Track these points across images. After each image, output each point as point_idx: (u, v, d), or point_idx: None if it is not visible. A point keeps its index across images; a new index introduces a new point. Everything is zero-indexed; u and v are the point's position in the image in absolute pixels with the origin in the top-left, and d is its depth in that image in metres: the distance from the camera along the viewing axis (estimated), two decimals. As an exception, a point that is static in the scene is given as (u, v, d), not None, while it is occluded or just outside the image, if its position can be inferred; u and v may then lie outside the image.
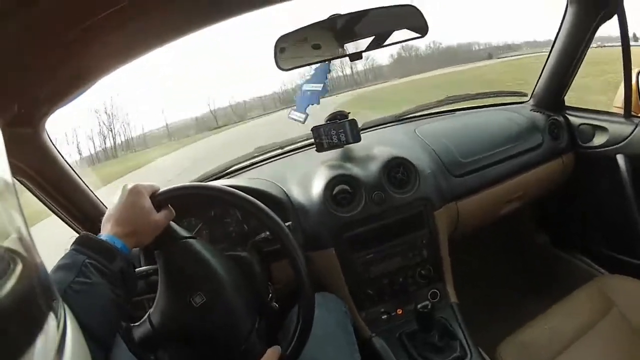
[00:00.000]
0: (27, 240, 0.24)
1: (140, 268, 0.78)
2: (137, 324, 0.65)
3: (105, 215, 0.60)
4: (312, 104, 0.98)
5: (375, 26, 0.87)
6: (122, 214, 0.58)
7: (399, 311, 0.97)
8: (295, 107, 1.00)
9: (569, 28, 1.05)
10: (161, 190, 0.64)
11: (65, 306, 0.28)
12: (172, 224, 0.65)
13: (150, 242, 0.62)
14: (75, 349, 0.26)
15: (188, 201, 0.67)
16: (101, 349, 0.50)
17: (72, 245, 0.54)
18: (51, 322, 0.23)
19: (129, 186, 0.61)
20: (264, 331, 0.68)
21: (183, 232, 0.66)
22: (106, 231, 0.57)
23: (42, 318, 0.23)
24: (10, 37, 0.50)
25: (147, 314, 0.65)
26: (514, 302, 1.27)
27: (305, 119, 1.00)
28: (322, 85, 0.95)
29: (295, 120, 1.02)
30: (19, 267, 0.22)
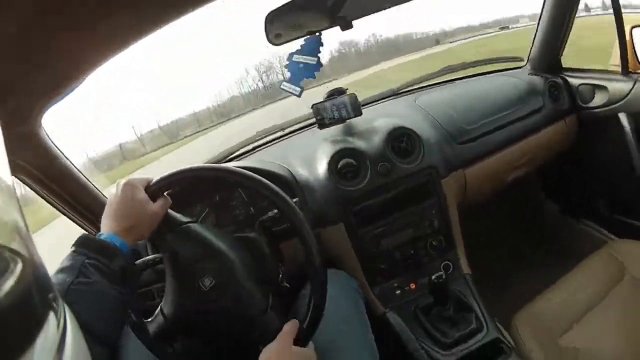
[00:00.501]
0: (27, 239, 0.24)
1: (146, 257, 0.76)
2: (150, 319, 0.63)
3: (104, 214, 0.59)
4: (308, 78, 0.95)
5: None
6: (118, 209, 0.58)
7: (412, 285, 0.95)
8: (288, 79, 0.97)
9: None
10: (154, 180, 0.63)
11: (66, 306, 0.28)
12: (170, 211, 0.64)
13: (150, 234, 0.61)
14: (75, 349, 0.25)
15: (185, 185, 0.65)
16: (105, 348, 0.50)
17: (72, 246, 0.54)
18: (51, 321, 0.23)
19: (122, 182, 0.61)
20: (279, 306, 0.67)
21: (182, 218, 0.65)
22: (105, 229, 0.57)
23: (42, 318, 0.23)
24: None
25: (159, 307, 0.64)
26: (526, 272, 1.25)
27: (301, 92, 0.96)
28: (316, 58, 0.93)
29: (289, 92, 0.98)
30: (19, 267, 0.21)
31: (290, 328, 0.59)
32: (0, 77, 0.58)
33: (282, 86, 0.97)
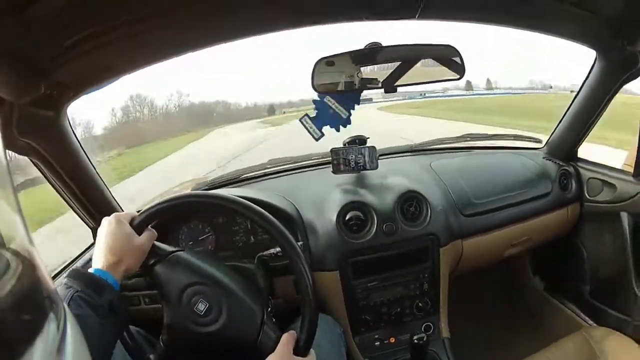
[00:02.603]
0: (27, 240, 0.24)
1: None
2: (152, 353, 0.66)
3: (94, 249, 0.62)
4: (332, 128, 0.97)
5: (413, 62, 0.89)
6: (106, 245, 0.61)
7: (392, 339, 0.99)
8: (312, 115, 0.97)
9: (593, 83, 1.06)
10: (137, 214, 0.66)
11: (66, 307, 0.28)
12: (157, 243, 0.67)
13: (139, 267, 0.64)
14: (75, 350, 0.26)
15: (171, 215, 0.68)
16: None
17: (64, 277, 0.57)
18: (51, 322, 0.24)
19: (108, 219, 0.64)
20: (274, 319, 0.69)
21: (169, 248, 0.67)
22: (95, 265, 0.60)
23: (42, 318, 0.23)
24: (49, 16, 0.51)
25: (159, 338, 0.66)
26: (505, 341, 1.29)
27: (320, 138, 0.98)
28: (347, 114, 0.95)
29: (308, 130, 0.98)
30: (19, 267, 0.22)
31: (288, 338, 0.62)
32: (38, 59, 0.60)
33: (302, 120, 0.99)
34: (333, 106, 0.96)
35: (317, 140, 0.99)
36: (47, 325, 0.23)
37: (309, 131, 0.99)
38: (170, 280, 0.64)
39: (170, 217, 0.95)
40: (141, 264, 0.64)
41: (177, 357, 0.66)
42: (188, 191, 0.87)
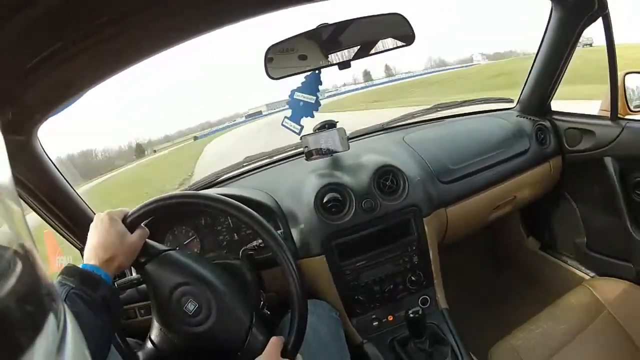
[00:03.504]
0: (27, 239, 0.24)
1: (128, 277, 0.80)
2: (140, 348, 0.66)
3: (86, 245, 0.63)
4: (307, 117, 0.99)
5: (363, 35, 0.89)
6: (98, 242, 0.61)
7: (390, 317, 0.99)
8: (289, 116, 1.00)
9: (553, 33, 1.06)
10: (131, 211, 0.66)
11: (66, 307, 0.28)
12: (149, 241, 0.67)
13: (130, 264, 0.64)
14: (75, 349, 0.25)
15: (163, 214, 0.68)
16: None
17: (58, 275, 0.57)
18: (51, 322, 0.23)
19: (100, 215, 0.64)
20: (263, 323, 0.69)
21: (160, 247, 0.68)
22: (87, 260, 0.60)
23: (42, 318, 0.23)
24: (2, 43, 0.52)
25: (148, 335, 0.66)
26: (504, 307, 1.28)
27: (301, 130, 1.00)
28: (315, 97, 0.96)
29: (290, 129, 1.02)
30: (19, 267, 0.22)
31: (276, 341, 0.62)
32: (1, 87, 0.60)
33: (283, 123, 1.02)
34: (301, 97, 0.99)
35: (299, 134, 1.02)
36: (47, 325, 0.23)
37: (291, 130, 1.02)
38: (161, 278, 0.65)
39: (160, 218, 0.95)
40: (133, 261, 0.64)
41: (165, 355, 0.66)
42: (180, 192, 0.88)
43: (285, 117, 1.01)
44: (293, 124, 1.01)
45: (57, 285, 0.56)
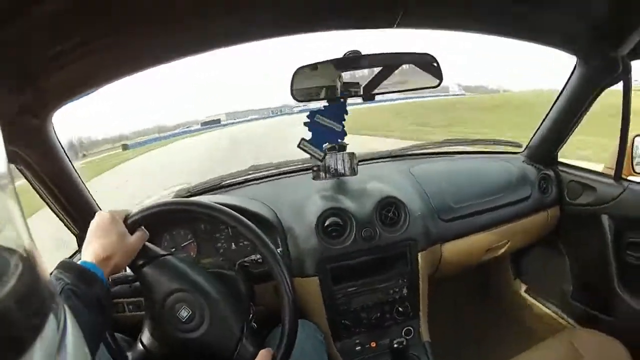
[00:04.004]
0: (27, 239, 0.24)
1: (122, 273, 0.80)
2: (130, 349, 0.66)
3: (84, 242, 0.62)
4: (331, 144, 0.98)
5: (392, 70, 0.90)
6: (96, 240, 0.61)
7: (373, 344, 1.00)
8: (308, 139, 0.98)
9: (574, 87, 1.07)
10: (132, 212, 0.66)
11: (66, 307, 0.28)
12: (148, 244, 0.67)
13: (127, 265, 0.64)
14: (75, 349, 0.26)
15: (163, 219, 0.69)
16: None
17: (55, 269, 0.57)
18: (51, 322, 0.23)
19: (102, 213, 0.64)
20: (253, 335, 0.70)
21: (159, 251, 0.68)
22: (84, 258, 0.60)
23: (42, 318, 0.23)
24: (32, 26, 0.52)
25: (138, 337, 0.67)
26: (486, 344, 1.30)
27: (324, 157, 0.98)
28: (341, 126, 0.95)
29: (309, 153, 0.99)
30: (19, 267, 0.22)
31: (266, 353, 0.63)
32: (22, 69, 0.61)
33: (301, 145, 1.00)
34: (325, 122, 0.97)
35: (321, 161, 1.00)
36: (48, 325, 0.23)
37: (311, 154, 1.00)
38: (156, 283, 0.65)
39: (161, 222, 0.95)
40: (130, 262, 0.64)
41: (154, 359, 0.67)
42: (184, 199, 0.87)
43: (304, 139, 0.99)
44: (314, 148, 0.99)
45: (52, 279, 0.55)
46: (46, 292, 0.25)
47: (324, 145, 1.06)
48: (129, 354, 0.66)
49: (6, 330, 0.20)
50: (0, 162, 0.23)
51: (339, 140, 0.98)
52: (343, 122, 0.96)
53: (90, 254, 0.60)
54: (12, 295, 0.20)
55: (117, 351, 0.65)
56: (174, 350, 0.66)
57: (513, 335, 1.31)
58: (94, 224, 0.63)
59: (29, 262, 0.23)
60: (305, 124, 0.97)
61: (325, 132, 0.97)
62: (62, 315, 0.26)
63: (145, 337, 0.66)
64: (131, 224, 0.65)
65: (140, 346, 0.66)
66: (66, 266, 0.57)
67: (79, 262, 0.59)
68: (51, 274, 0.57)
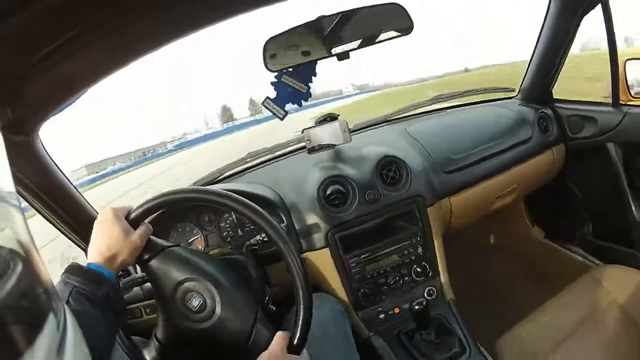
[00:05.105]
0: (27, 239, 0.24)
1: (132, 276, 0.79)
2: (145, 345, 0.66)
3: (90, 243, 0.62)
4: (294, 104, 0.96)
5: (361, 26, 0.89)
6: (101, 240, 0.61)
7: (396, 310, 0.98)
8: (272, 97, 0.94)
9: (553, 21, 1.06)
10: (134, 207, 0.65)
11: (66, 307, 0.28)
12: (152, 237, 0.66)
13: (134, 261, 0.64)
14: (75, 349, 0.26)
15: (167, 210, 0.67)
16: None
17: (62, 274, 0.57)
18: (51, 322, 0.24)
19: (104, 211, 0.63)
20: (268, 318, 0.69)
21: (164, 243, 0.67)
22: (90, 258, 0.60)
23: (42, 318, 0.23)
24: (2, 42, 0.51)
25: (153, 333, 0.66)
26: (510, 297, 1.27)
27: (285, 116, 0.95)
28: (306, 87, 0.94)
29: (272, 111, 0.96)
30: (19, 267, 0.22)
31: (282, 336, 0.61)
32: (1, 85, 0.60)
33: (264, 103, 0.96)
34: (291, 83, 0.95)
35: (282, 119, 0.97)
36: (48, 325, 0.23)
37: (272, 112, 0.97)
38: (165, 274, 0.64)
39: (163, 216, 0.94)
40: (136, 258, 0.64)
41: (171, 352, 0.66)
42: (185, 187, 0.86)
43: (268, 97, 0.95)
44: (277, 107, 0.95)
45: (61, 283, 0.56)
46: (46, 293, 0.25)
47: (315, 119, 1.06)
48: (145, 350, 0.65)
49: (6, 330, 0.20)
50: (2, 166, 0.24)
51: (302, 102, 0.95)
52: (310, 83, 0.94)
53: (95, 254, 0.60)
54: (12, 295, 0.20)
55: (130, 347, 0.65)
56: (188, 342, 0.65)
57: (538, 283, 1.27)
58: (97, 223, 0.63)
59: (29, 263, 0.23)
60: (272, 83, 0.95)
61: (290, 93, 0.94)
62: (62, 316, 0.26)
63: (159, 331, 0.65)
64: (134, 219, 0.64)
65: (155, 341, 0.65)
66: (73, 269, 0.57)
67: (86, 264, 0.59)
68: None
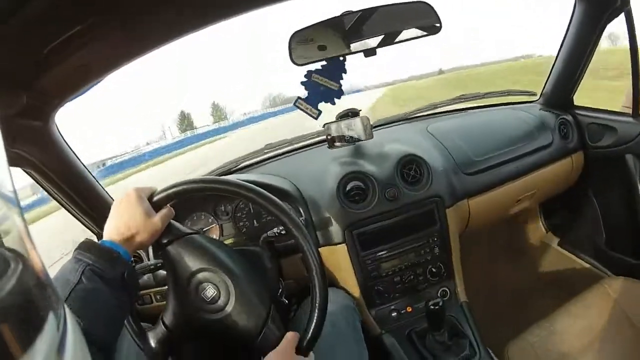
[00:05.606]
0: (27, 239, 0.24)
1: (146, 262, 0.78)
2: (151, 329, 0.65)
3: (107, 220, 0.60)
4: (327, 103, 0.95)
5: (388, 23, 0.88)
6: (121, 218, 0.59)
7: (409, 309, 0.97)
8: (304, 97, 0.94)
9: (577, 27, 1.05)
10: (158, 190, 0.64)
11: (66, 306, 0.28)
12: (173, 222, 0.65)
13: (152, 244, 0.62)
14: (75, 349, 0.25)
15: (191, 197, 0.67)
16: (102, 353, 0.50)
17: (75, 250, 0.55)
18: (51, 322, 0.23)
19: (128, 191, 0.62)
20: (280, 315, 0.67)
21: (185, 229, 0.66)
22: (107, 236, 0.58)
23: (42, 318, 0.23)
24: (20, 28, 0.50)
25: (160, 317, 0.65)
26: (522, 301, 1.27)
27: (319, 115, 0.96)
28: (338, 85, 0.93)
29: (305, 112, 0.96)
30: (19, 267, 0.22)
31: (292, 336, 0.60)
32: (18, 72, 0.59)
33: (296, 103, 0.96)
34: (322, 82, 0.94)
35: (316, 119, 0.97)
36: (48, 325, 0.23)
37: (306, 112, 0.96)
38: (181, 261, 0.63)
39: (180, 204, 0.94)
40: (154, 241, 0.62)
41: (177, 339, 0.65)
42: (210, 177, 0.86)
43: (299, 97, 0.95)
44: (309, 107, 0.96)
45: (71, 261, 0.54)
46: (46, 292, 0.25)
47: (337, 114, 1.05)
48: (150, 334, 0.64)
49: (6, 330, 0.19)
50: (2, 166, 0.23)
51: (335, 100, 0.95)
52: (341, 81, 0.94)
53: (113, 232, 0.58)
54: (11, 295, 0.20)
55: (137, 331, 0.64)
56: (196, 331, 0.64)
57: (550, 289, 1.27)
58: (118, 202, 0.61)
59: (29, 262, 0.23)
60: (302, 82, 0.94)
61: (322, 92, 0.94)
62: (62, 316, 0.25)
63: (168, 317, 0.64)
64: (157, 201, 0.62)
65: (162, 326, 0.64)
66: (86, 246, 0.55)
67: (101, 242, 0.57)
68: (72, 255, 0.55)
